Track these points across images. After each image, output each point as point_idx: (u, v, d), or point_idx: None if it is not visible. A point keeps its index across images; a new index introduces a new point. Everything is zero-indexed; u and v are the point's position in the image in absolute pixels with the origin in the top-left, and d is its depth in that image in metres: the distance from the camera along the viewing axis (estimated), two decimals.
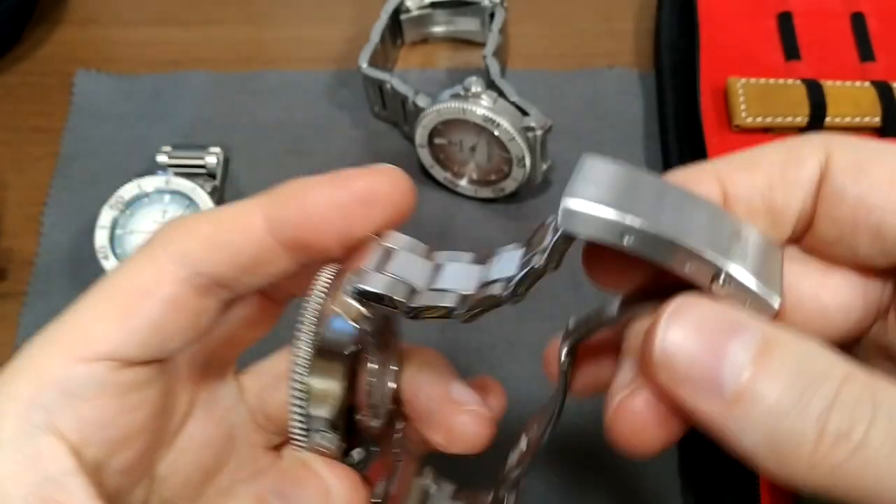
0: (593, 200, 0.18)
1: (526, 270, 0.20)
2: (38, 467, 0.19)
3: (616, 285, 0.21)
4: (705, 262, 0.18)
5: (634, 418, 0.19)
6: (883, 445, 0.15)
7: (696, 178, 0.20)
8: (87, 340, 0.21)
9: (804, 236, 0.21)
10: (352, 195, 0.22)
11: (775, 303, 0.18)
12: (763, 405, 0.16)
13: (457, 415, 0.24)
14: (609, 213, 0.18)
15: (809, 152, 0.20)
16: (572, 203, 0.18)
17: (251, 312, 0.25)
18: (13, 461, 0.19)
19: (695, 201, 0.19)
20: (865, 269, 0.20)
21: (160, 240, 0.22)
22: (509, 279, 0.20)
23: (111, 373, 0.21)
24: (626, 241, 0.18)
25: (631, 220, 0.17)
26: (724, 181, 0.20)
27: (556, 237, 0.19)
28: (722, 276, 0.18)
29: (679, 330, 0.17)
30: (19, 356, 0.21)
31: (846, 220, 0.19)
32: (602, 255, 0.20)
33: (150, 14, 0.51)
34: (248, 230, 0.22)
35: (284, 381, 0.25)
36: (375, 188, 0.22)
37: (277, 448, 0.28)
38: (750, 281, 0.18)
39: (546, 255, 0.19)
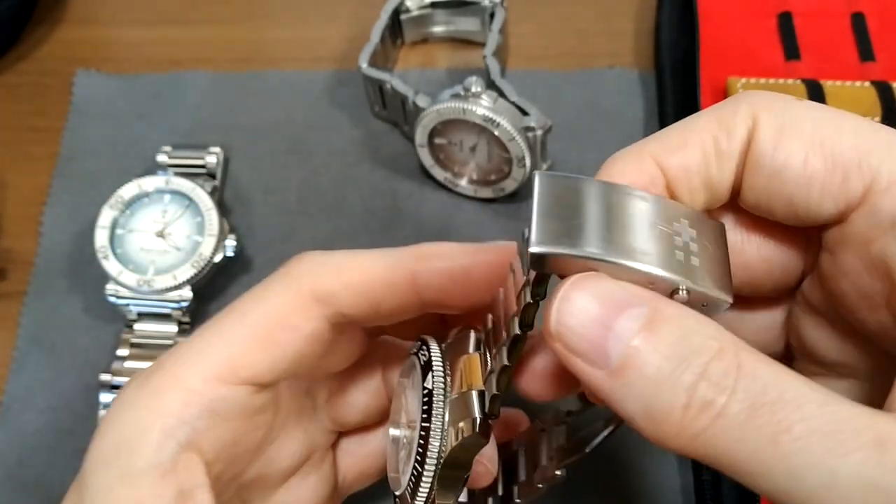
0: (553, 242, 0.18)
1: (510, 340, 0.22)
2: (174, 481, 0.21)
3: None
4: (664, 281, 0.19)
5: (534, 375, 0.23)
6: (738, 414, 0.16)
7: (636, 165, 0.21)
8: (233, 366, 0.22)
9: (733, 199, 0.21)
10: (489, 267, 0.24)
11: (728, 298, 0.20)
12: (642, 376, 0.17)
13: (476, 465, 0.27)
14: (573, 251, 0.18)
15: (739, 121, 0.20)
16: (537, 249, 0.18)
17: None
18: (155, 474, 0.21)
19: (641, 203, 0.20)
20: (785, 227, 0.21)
21: (305, 275, 0.23)
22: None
23: (249, 396, 0.23)
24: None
25: (591, 253, 0.18)
26: (661, 163, 0.20)
27: (529, 277, 0.20)
28: (682, 291, 0.19)
29: (573, 304, 0.18)
30: (160, 370, 0.22)
31: (762, 189, 0.20)
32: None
33: (149, 14, 0.51)
34: (396, 286, 0.24)
35: (352, 385, 0.28)
36: (503, 262, 0.24)
37: (333, 446, 0.30)
38: (706, 288, 0.19)
39: (527, 297, 0.20)
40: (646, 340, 0.17)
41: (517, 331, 0.21)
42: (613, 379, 0.17)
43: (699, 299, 0.19)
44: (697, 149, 0.20)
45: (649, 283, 0.19)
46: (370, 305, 0.24)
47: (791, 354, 0.24)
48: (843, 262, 0.20)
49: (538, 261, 0.19)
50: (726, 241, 0.21)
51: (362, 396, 0.28)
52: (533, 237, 0.18)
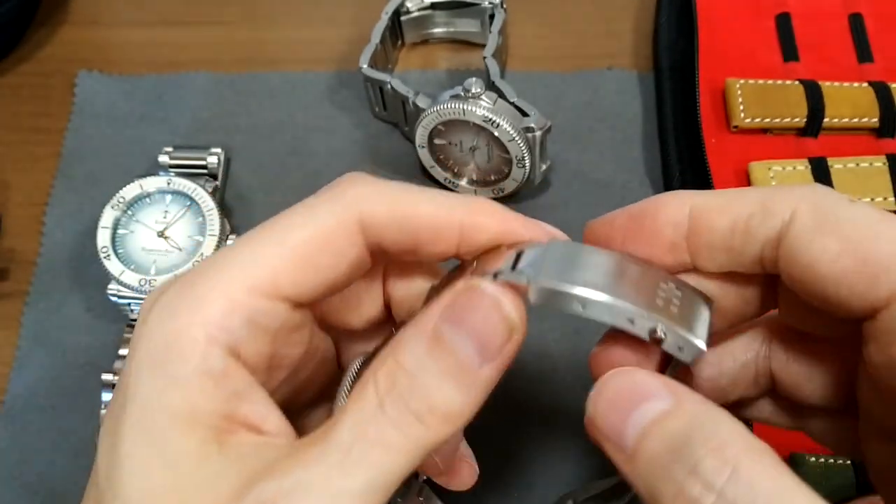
0: (556, 279, 0.21)
1: None
2: (226, 384, 0.21)
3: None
4: (644, 317, 0.21)
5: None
6: None
7: (677, 203, 0.23)
8: (275, 282, 0.22)
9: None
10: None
11: (702, 345, 0.21)
12: (645, 464, 0.20)
13: (463, 466, 0.29)
14: (566, 288, 0.21)
15: (780, 208, 0.22)
16: (542, 283, 0.21)
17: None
18: (205, 379, 0.21)
19: (635, 266, 0.22)
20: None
21: (354, 201, 0.23)
22: None
23: (288, 312, 0.23)
24: (582, 309, 0.21)
25: (580, 292, 0.21)
26: (695, 215, 0.23)
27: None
28: (660, 331, 0.21)
29: (598, 402, 0.21)
30: (202, 278, 0.22)
31: (798, 276, 0.22)
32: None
33: (151, 15, 0.51)
34: (441, 234, 0.24)
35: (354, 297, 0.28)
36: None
37: None
38: (682, 331, 0.21)
39: None
40: (650, 436, 0.20)
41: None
42: (628, 462, 0.20)
43: (675, 342, 0.21)
44: (730, 218, 0.22)
45: (629, 320, 0.21)
46: (411, 245, 0.24)
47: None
48: (869, 353, 0.21)
49: (541, 292, 0.21)
50: (708, 306, 0.23)
51: (364, 307, 0.28)
52: (542, 274, 0.21)
